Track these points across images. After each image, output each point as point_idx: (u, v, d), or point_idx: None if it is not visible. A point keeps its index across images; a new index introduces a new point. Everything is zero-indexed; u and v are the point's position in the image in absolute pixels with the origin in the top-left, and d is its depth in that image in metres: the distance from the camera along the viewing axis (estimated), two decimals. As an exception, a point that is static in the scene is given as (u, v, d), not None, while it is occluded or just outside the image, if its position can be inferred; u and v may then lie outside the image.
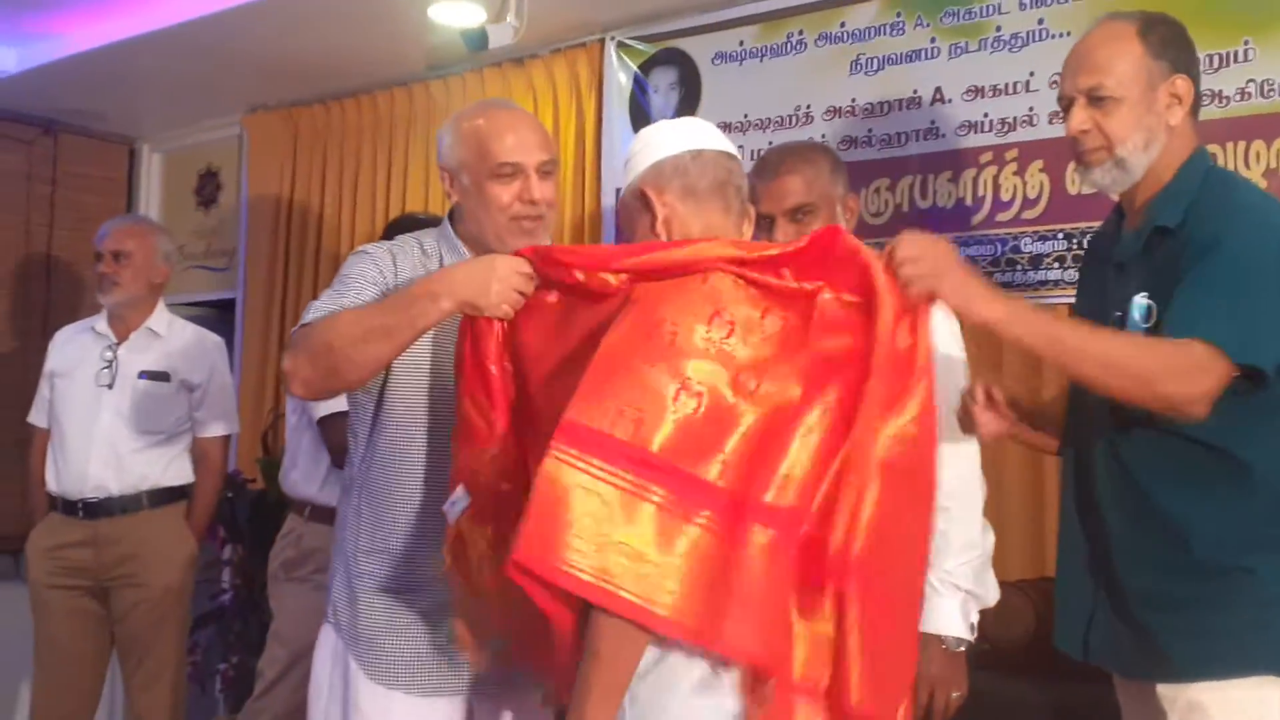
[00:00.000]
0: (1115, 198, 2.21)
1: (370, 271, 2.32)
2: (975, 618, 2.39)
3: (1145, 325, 2.03)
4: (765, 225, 2.47)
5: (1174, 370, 1.90)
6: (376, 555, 2.36)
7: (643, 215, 2.02)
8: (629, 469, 1.69)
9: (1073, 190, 3.16)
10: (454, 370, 2.11)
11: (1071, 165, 2.77)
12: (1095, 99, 2.10)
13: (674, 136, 2.06)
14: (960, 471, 2.35)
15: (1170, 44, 2.10)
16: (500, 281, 2.00)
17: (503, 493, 2.04)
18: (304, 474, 3.47)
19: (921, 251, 1.82)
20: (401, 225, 3.34)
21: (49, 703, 3.77)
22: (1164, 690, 2.01)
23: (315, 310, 2.26)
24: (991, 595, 2.46)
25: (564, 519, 1.66)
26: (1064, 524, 2.23)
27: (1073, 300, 2.58)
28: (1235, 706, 1.95)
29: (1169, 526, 2.01)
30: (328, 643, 2.43)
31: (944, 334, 2.37)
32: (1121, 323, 2.07)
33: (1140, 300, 2.05)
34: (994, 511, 3.26)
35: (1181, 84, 2.08)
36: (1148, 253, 2.08)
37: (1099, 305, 2.18)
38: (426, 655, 2.34)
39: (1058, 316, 2.00)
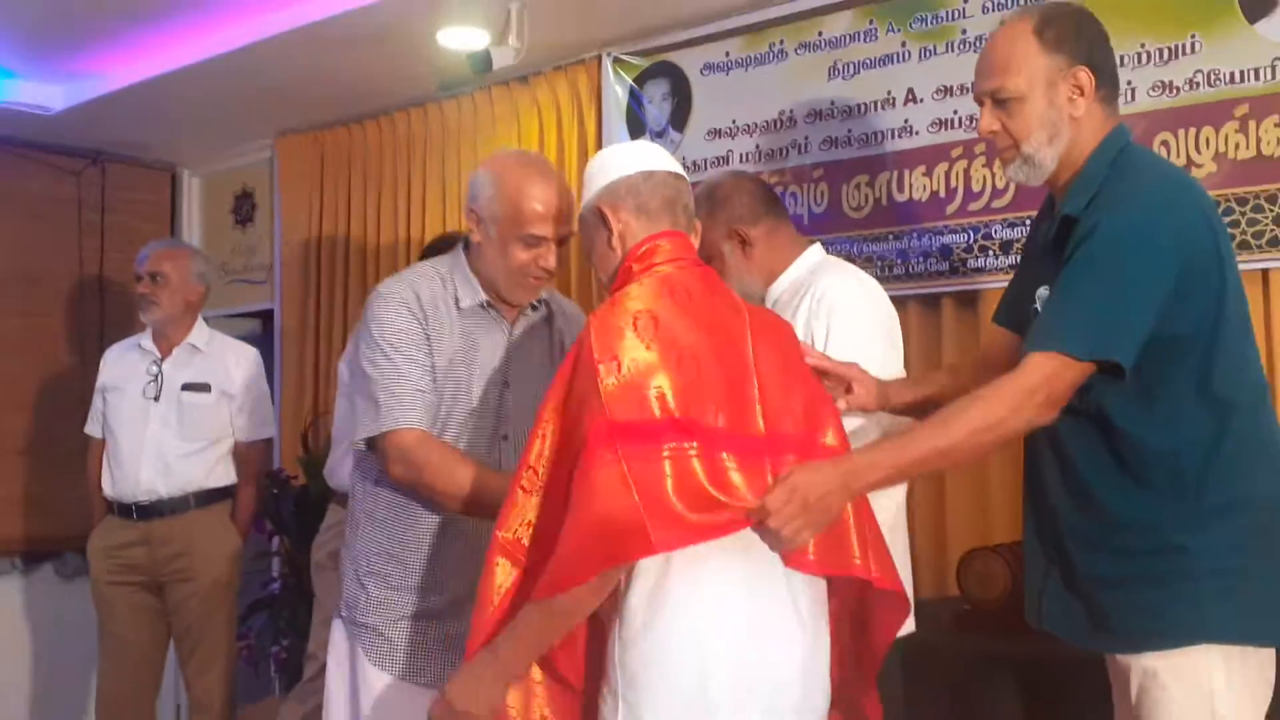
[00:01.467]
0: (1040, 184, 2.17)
1: (410, 328, 2.34)
2: None
3: None
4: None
5: (1010, 405, 1.89)
6: (387, 558, 2.39)
7: (600, 230, 2.08)
8: None
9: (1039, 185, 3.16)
10: None
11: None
12: (998, 100, 2.07)
13: (626, 159, 2.09)
14: None
15: (1068, 37, 2.03)
16: None
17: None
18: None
19: (782, 509, 1.81)
20: (439, 247, 3.40)
21: (114, 689, 3.82)
22: (1121, 660, 2.03)
23: (386, 397, 2.29)
24: None
25: None
26: (1024, 502, 2.22)
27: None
28: (1183, 673, 1.95)
29: (1107, 511, 2.01)
30: (338, 634, 2.46)
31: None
32: (1035, 314, 2.06)
33: (1043, 293, 2.05)
34: (976, 479, 3.30)
35: (1083, 75, 2.02)
36: (1058, 242, 2.05)
37: (1019, 295, 2.19)
38: (430, 649, 2.36)
39: (908, 441, 1.93)
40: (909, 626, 2.47)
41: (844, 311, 2.48)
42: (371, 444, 2.34)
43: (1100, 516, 2.03)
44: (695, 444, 1.82)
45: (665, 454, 1.80)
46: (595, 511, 1.79)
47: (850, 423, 2.23)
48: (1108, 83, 2.08)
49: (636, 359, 1.85)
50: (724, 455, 1.84)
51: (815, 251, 2.67)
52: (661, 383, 1.84)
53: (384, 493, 2.41)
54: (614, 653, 1.89)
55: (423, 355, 2.33)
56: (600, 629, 1.97)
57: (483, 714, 1.91)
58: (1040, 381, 1.90)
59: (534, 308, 2.52)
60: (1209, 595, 1.93)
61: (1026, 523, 2.21)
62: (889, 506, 2.47)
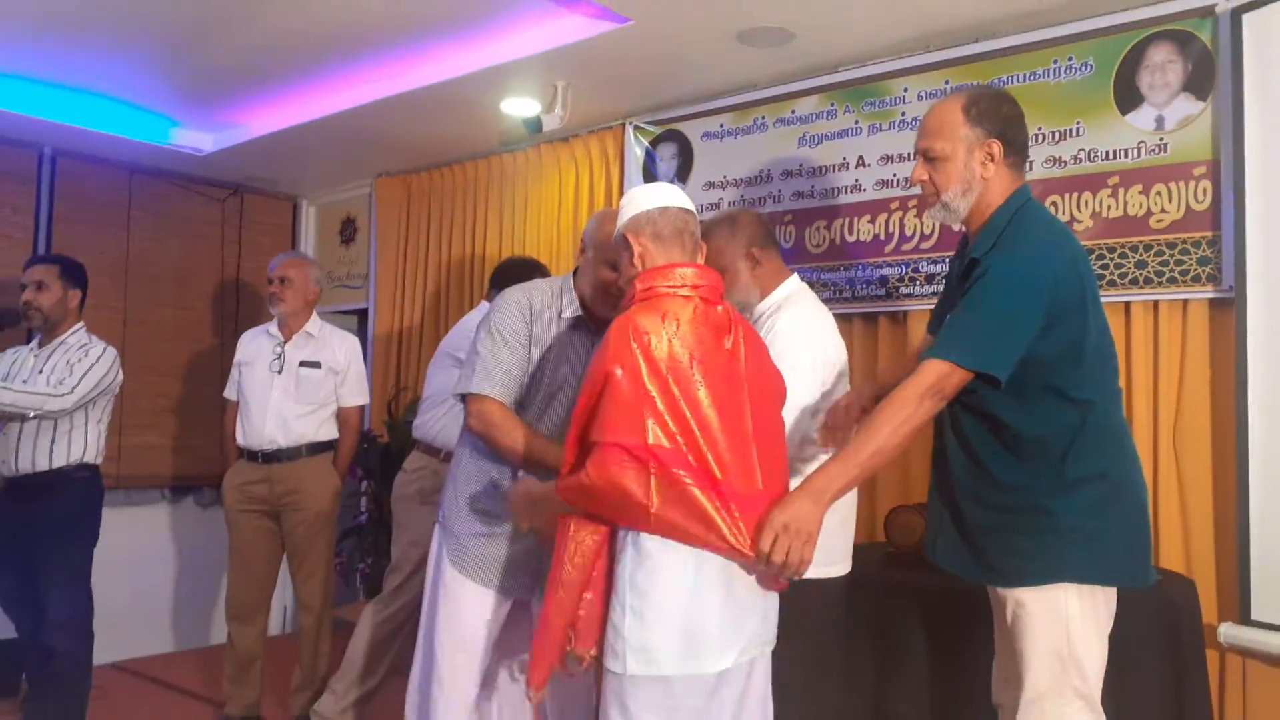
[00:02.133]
0: (958, 228, 2.16)
1: (518, 326, 2.35)
2: None
3: None
4: None
5: (914, 401, 1.89)
6: (477, 485, 2.41)
7: (625, 252, 2.06)
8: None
9: (957, 227, 3.16)
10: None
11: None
12: (928, 158, 2.07)
13: (648, 196, 2.08)
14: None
15: (987, 115, 2.02)
16: None
17: None
18: (443, 428, 3.46)
19: (778, 547, 1.80)
20: (510, 264, 3.54)
21: (240, 592, 3.81)
22: (1000, 592, 2.04)
23: (482, 368, 2.32)
24: None
25: None
26: (931, 470, 2.22)
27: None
28: (1047, 604, 1.97)
29: (992, 479, 2.01)
30: (436, 538, 2.49)
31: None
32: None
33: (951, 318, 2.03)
34: (906, 452, 3.29)
35: (995, 146, 2.02)
36: (964, 275, 2.04)
37: (942, 311, 2.18)
38: (499, 562, 2.37)
39: (851, 453, 1.91)
40: (844, 568, 2.48)
41: (787, 347, 2.39)
42: (462, 399, 2.38)
43: (988, 481, 2.03)
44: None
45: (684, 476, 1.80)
46: (611, 476, 1.80)
47: None
48: (1016, 153, 2.07)
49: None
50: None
51: (794, 280, 2.63)
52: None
53: (479, 441, 2.42)
54: (626, 572, 1.88)
55: (520, 350, 2.34)
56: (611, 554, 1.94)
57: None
58: (934, 380, 1.90)
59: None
60: (1068, 545, 1.95)
61: (931, 484, 2.22)
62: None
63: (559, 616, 1.92)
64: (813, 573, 2.17)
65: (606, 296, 2.34)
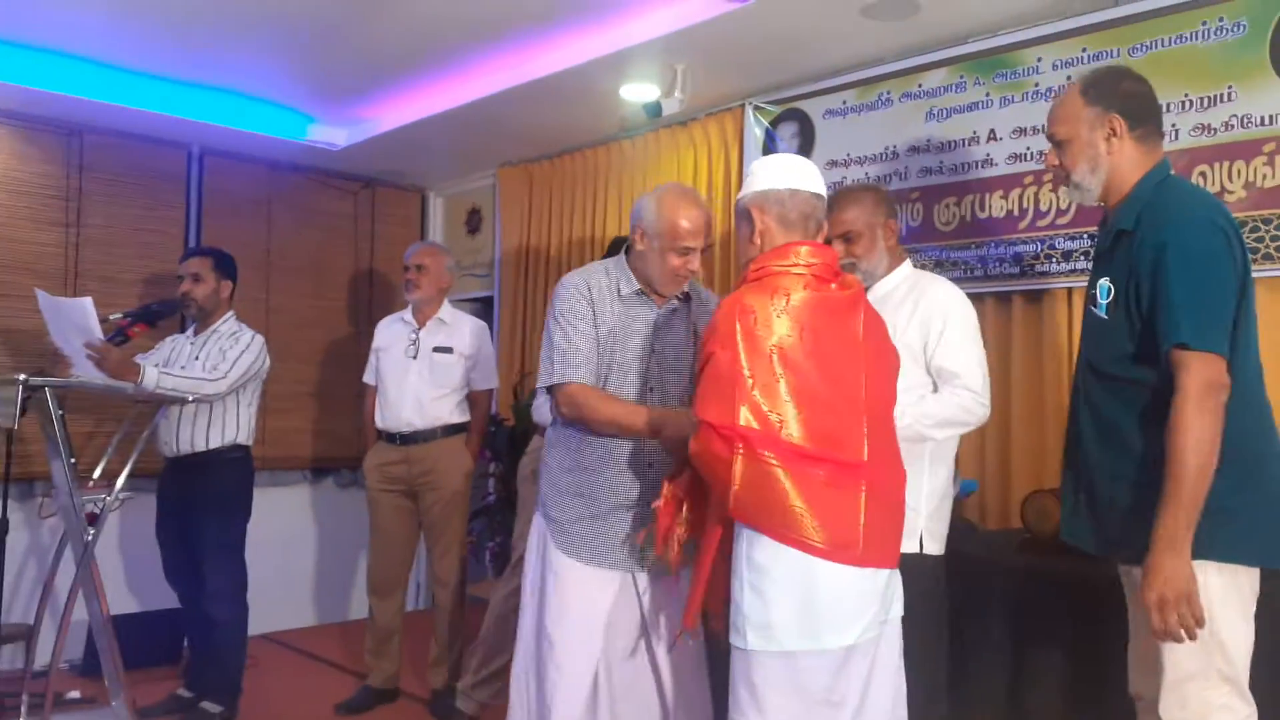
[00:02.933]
0: (1096, 204, 2.15)
1: (581, 309, 2.42)
2: None
3: (1106, 300, 1.99)
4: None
5: (1194, 417, 1.82)
6: (576, 472, 2.46)
7: (746, 224, 2.07)
8: None
9: (1095, 204, 3.04)
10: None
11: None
12: (1055, 143, 2.11)
13: (782, 173, 2.06)
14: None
15: (1105, 93, 2.04)
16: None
17: None
18: None
19: (1162, 615, 1.81)
20: (619, 243, 3.52)
21: (380, 566, 3.95)
22: (1136, 572, 1.96)
23: (559, 357, 2.39)
24: None
25: None
26: (1065, 450, 2.18)
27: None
28: None
29: (1130, 453, 1.96)
30: (537, 527, 2.54)
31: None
32: (1094, 301, 2.04)
33: (1103, 283, 2.02)
34: (1034, 439, 3.21)
35: (1117, 121, 2.02)
36: (1113, 248, 2.03)
37: (1088, 291, 2.15)
38: (601, 540, 2.43)
39: (1173, 500, 1.82)
40: (939, 548, 2.51)
41: (958, 316, 2.51)
42: (549, 391, 2.45)
43: (1125, 455, 1.97)
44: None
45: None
46: (702, 453, 1.91)
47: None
48: (1144, 126, 2.06)
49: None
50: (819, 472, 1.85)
51: (909, 263, 2.68)
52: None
53: (567, 428, 2.50)
54: (743, 550, 1.90)
55: (589, 329, 2.41)
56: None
57: None
58: (1208, 378, 1.84)
59: (680, 296, 2.54)
60: (1209, 523, 1.87)
61: (1065, 465, 2.17)
62: (942, 474, 2.51)
63: (698, 577, 2.02)
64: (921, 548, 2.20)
65: (674, 281, 2.42)
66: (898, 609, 2.00)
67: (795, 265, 1.97)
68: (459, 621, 3.91)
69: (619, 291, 2.45)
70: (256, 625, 3.98)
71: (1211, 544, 1.88)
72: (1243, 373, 1.94)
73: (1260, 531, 1.91)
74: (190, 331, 3.84)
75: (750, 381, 1.84)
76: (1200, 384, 1.82)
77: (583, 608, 2.42)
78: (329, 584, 5.37)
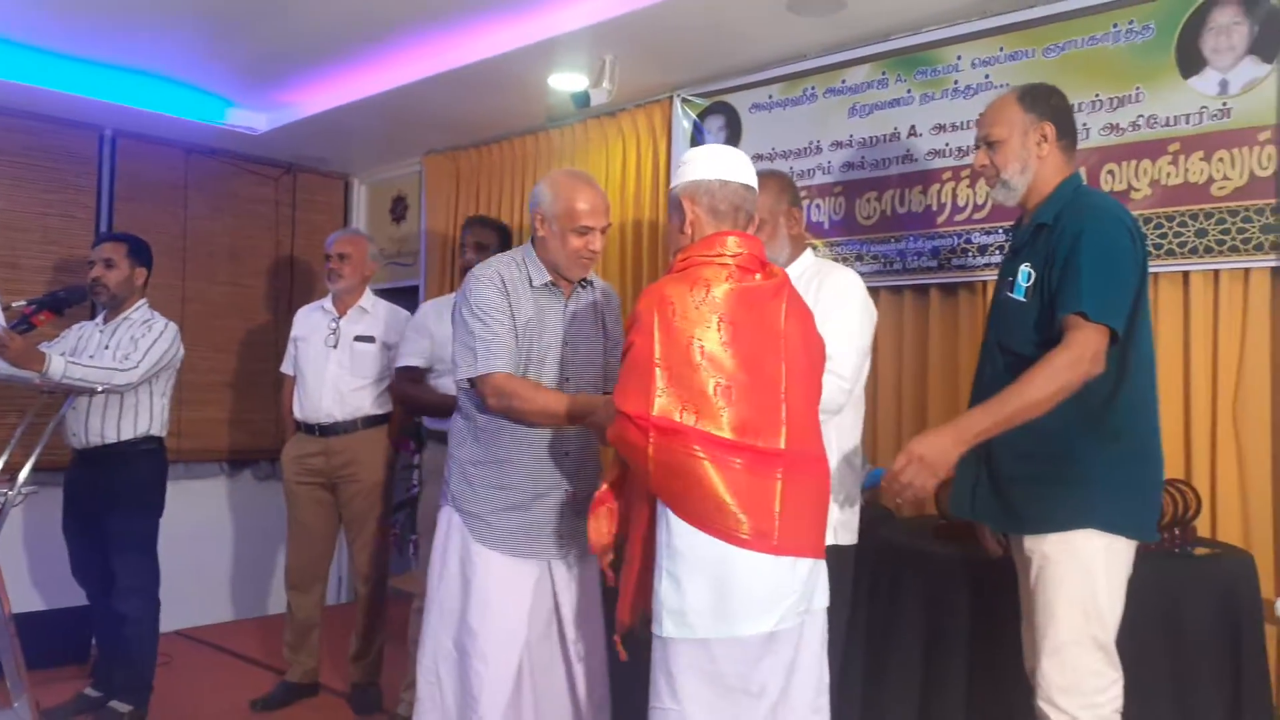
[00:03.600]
0: (1014, 205, 2.29)
1: (497, 299, 2.42)
2: None
3: (1026, 284, 2.13)
4: None
5: (1070, 365, 1.98)
6: (491, 464, 2.46)
7: (677, 214, 2.09)
8: None
9: (1013, 204, 3.12)
10: None
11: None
12: (989, 144, 2.23)
13: (713, 164, 2.07)
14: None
15: (1039, 102, 2.21)
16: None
17: None
18: None
19: (905, 469, 1.96)
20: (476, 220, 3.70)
21: (299, 560, 3.89)
22: (1027, 543, 2.10)
23: (482, 348, 2.38)
24: None
25: None
26: None
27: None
28: (1074, 555, 2.04)
29: (1031, 428, 2.05)
30: (446, 518, 2.54)
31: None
32: (1011, 287, 2.17)
33: (1025, 268, 2.15)
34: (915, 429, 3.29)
35: (1048, 128, 2.19)
36: (1032, 241, 2.17)
37: (1001, 280, 2.29)
38: (522, 531, 2.44)
39: (1000, 403, 2.01)
40: (852, 538, 2.56)
41: (848, 303, 2.51)
42: (472, 383, 2.43)
43: (1027, 431, 2.06)
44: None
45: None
46: (617, 442, 1.95)
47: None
48: (1067, 135, 2.25)
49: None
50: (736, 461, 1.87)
51: (810, 252, 2.73)
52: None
53: (482, 418, 2.48)
54: (663, 538, 1.92)
55: (507, 319, 2.41)
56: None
57: None
58: (1094, 348, 1.99)
59: (583, 286, 2.58)
60: (1097, 494, 2.05)
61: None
62: (853, 463, 2.56)
63: (629, 567, 2.05)
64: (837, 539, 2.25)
65: (578, 263, 2.45)
66: (821, 600, 2.01)
67: (720, 256, 1.98)
68: (380, 615, 3.87)
69: (531, 282, 2.48)
70: (170, 621, 3.89)
71: (1097, 513, 2.03)
72: (1137, 363, 2.10)
73: (1139, 507, 2.08)
74: (100, 319, 3.72)
75: (666, 373, 1.86)
76: (1084, 348, 1.98)
77: (506, 599, 2.42)
78: (246, 578, 5.26)
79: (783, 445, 1.89)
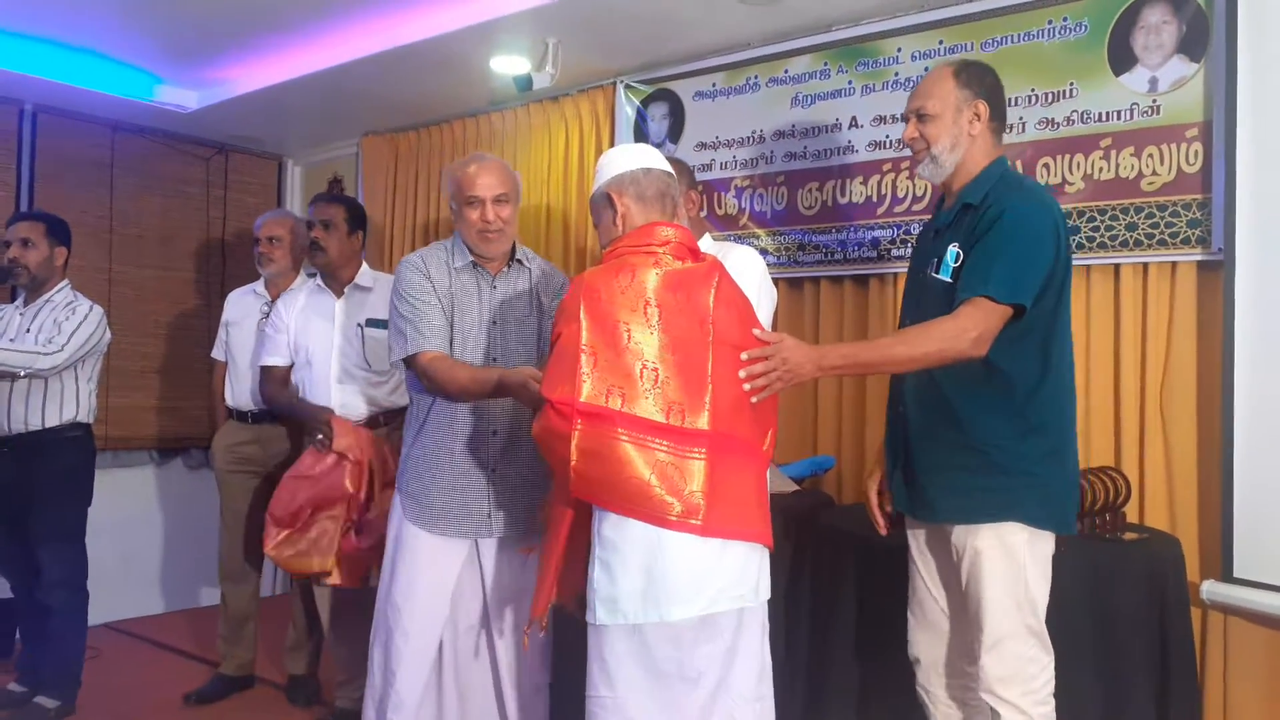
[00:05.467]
0: (939, 184, 2.29)
1: (422, 283, 2.49)
2: None
3: (954, 264, 2.12)
4: None
5: (952, 336, 1.99)
6: (422, 444, 2.54)
7: (607, 210, 2.10)
8: None
9: (939, 183, 3.17)
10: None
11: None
12: (920, 116, 2.20)
13: (631, 157, 2.12)
14: None
15: (974, 80, 2.19)
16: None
17: None
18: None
19: (773, 364, 1.93)
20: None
21: (232, 551, 3.80)
22: (956, 535, 2.12)
23: (410, 332, 2.46)
24: None
25: None
26: (888, 410, 2.34)
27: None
28: (1004, 548, 2.07)
29: (953, 417, 2.10)
30: (395, 500, 2.63)
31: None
32: (938, 267, 2.16)
33: (952, 249, 2.15)
34: (854, 419, 3.35)
35: (982, 106, 2.17)
36: (958, 221, 2.16)
37: (921, 260, 2.29)
38: (449, 510, 2.51)
39: (870, 346, 2.09)
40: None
41: (748, 276, 2.54)
42: (406, 363, 2.50)
43: (947, 418, 2.12)
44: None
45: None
46: (541, 431, 1.94)
47: None
48: (998, 118, 2.24)
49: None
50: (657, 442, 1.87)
51: (709, 236, 2.83)
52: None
53: (416, 398, 2.59)
54: (596, 526, 1.94)
55: (433, 299, 2.48)
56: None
57: None
58: (984, 325, 2.00)
59: (516, 266, 2.61)
60: (1020, 487, 2.07)
61: (888, 433, 2.33)
62: None
63: (547, 569, 2.03)
64: None
65: (483, 236, 2.50)
66: (764, 591, 2.03)
67: (649, 245, 2.01)
68: (319, 606, 3.79)
69: (452, 265, 2.54)
70: (98, 614, 3.78)
71: (1022, 507, 2.06)
72: (1059, 357, 2.13)
73: (1058, 501, 2.11)
74: (19, 302, 3.58)
75: (593, 358, 1.87)
76: (972, 323, 1.98)
77: (431, 577, 2.50)
78: (178, 570, 5.14)
79: (706, 426, 1.88)
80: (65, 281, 3.58)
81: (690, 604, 1.87)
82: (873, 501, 2.36)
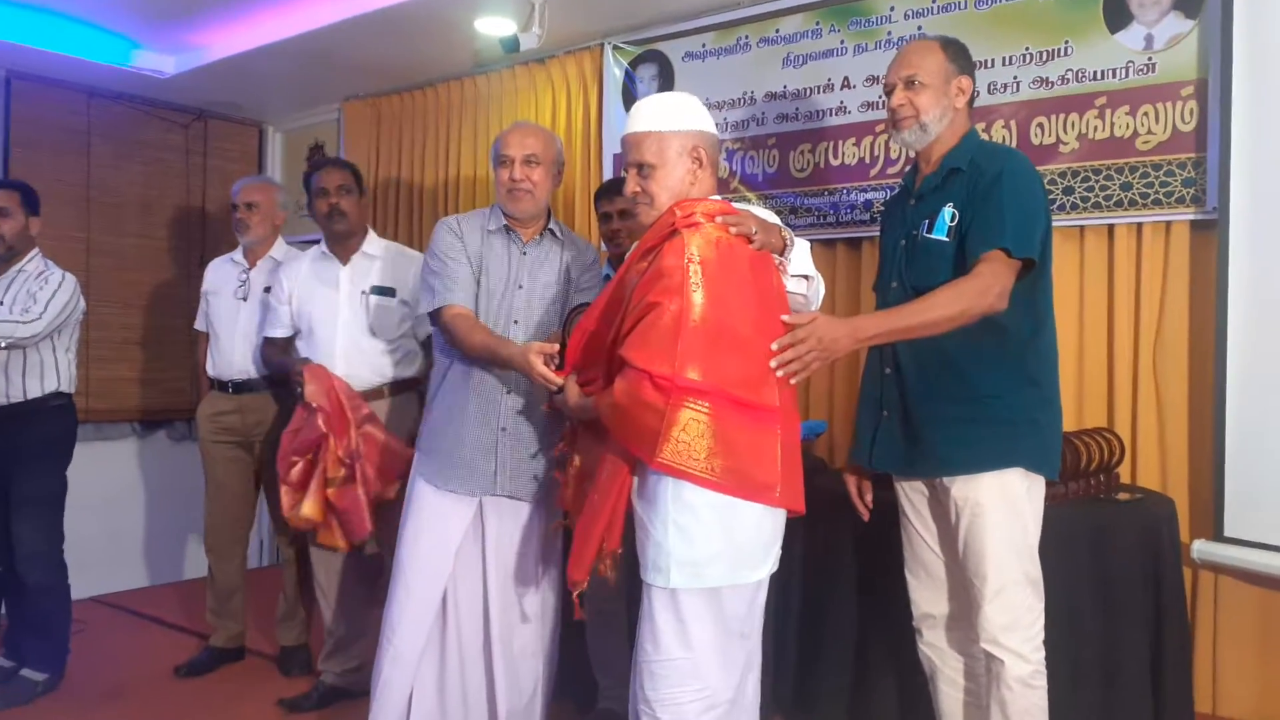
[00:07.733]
0: (914, 155, 2.33)
1: (453, 242, 2.56)
2: None
3: (951, 224, 2.16)
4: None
5: (979, 293, 2.04)
6: (442, 401, 2.60)
7: (684, 159, 2.05)
8: None
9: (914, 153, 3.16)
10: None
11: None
12: (909, 84, 2.25)
13: (709, 117, 2.11)
14: None
15: (959, 56, 2.28)
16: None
17: None
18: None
19: (809, 345, 1.93)
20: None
21: (217, 522, 3.78)
22: (957, 490, 2.15)
23: (439, 287, 2.52)
24: None
25: None
26: (865, 377, 2.35)
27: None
28: (1004, 497, 2.12)
29: (955, 371, 2.14)
30: (415, 461, 2.67)
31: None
32: (930, 228, 2.20)
33: (947, 209, 2.18)
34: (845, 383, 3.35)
35: (965, 81, 2.27)
36: (945, 185, 2.22)
37: (899, 229, 2.32)
38: (458, 467, 2.55)
39: (899, 313, 2.07)
40: None
41: None
42: (433, 318, 2.55)
43: (946, 372, 2.15)
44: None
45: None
46: (635, 401, 1.89)
47: None
48: (974, 98, 2.34)
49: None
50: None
51: None
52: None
53: (438, 356, 2.66)
54: (669, 490, 1.90)
55: (462, 257, 2.55)
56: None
57: None
58: (1004, 280, 2.06)
59: (549, 235, 2.65)
60: (1021, 434, 2.13)
61: (863, 396, 2.35)
62: None
63: (594, 524, 1.99)
64: None
65: (511, 195, 2.55)
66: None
67: (725, 215, 1.99)
68: (307, 575, 3.78)
69: (486, 227, 2.59)
70: (84, 588, 3.77)
71: (1021, 453, 2.12)
72: (1046, 310, 2.21)
73: (1054, 447, 2.19)
74: (-8, 272, 3.53)
75: (693, 333, 1.84)
76: (994, 280, 2.04)
77: (435, 532, 2.54)
78: (163, 542, 5.12)
79: (777, 402, 1.93)
80: (36, 250, 3.53)
81: (761, 567, 1.97)
82: (854, 494, 2.43)
